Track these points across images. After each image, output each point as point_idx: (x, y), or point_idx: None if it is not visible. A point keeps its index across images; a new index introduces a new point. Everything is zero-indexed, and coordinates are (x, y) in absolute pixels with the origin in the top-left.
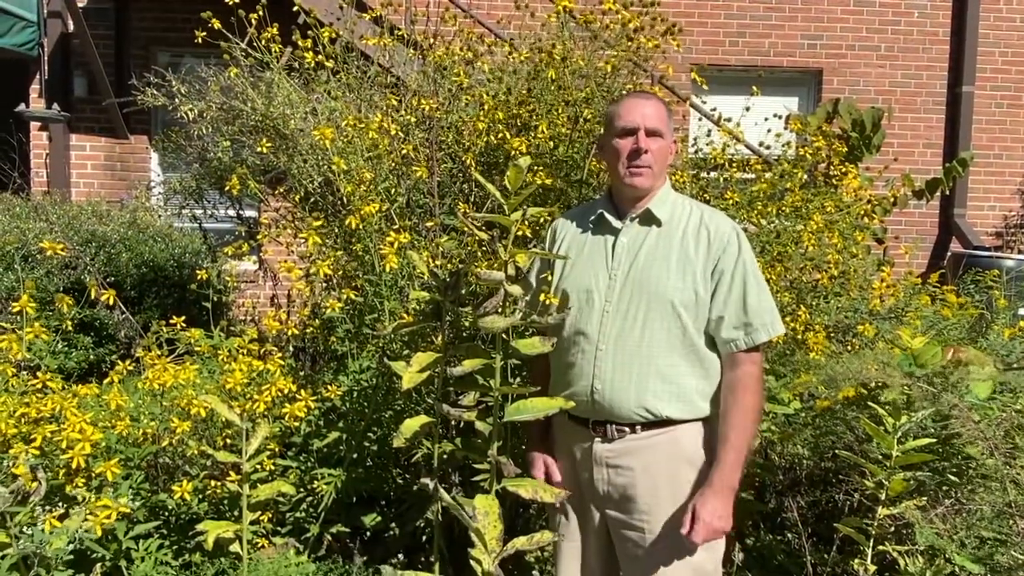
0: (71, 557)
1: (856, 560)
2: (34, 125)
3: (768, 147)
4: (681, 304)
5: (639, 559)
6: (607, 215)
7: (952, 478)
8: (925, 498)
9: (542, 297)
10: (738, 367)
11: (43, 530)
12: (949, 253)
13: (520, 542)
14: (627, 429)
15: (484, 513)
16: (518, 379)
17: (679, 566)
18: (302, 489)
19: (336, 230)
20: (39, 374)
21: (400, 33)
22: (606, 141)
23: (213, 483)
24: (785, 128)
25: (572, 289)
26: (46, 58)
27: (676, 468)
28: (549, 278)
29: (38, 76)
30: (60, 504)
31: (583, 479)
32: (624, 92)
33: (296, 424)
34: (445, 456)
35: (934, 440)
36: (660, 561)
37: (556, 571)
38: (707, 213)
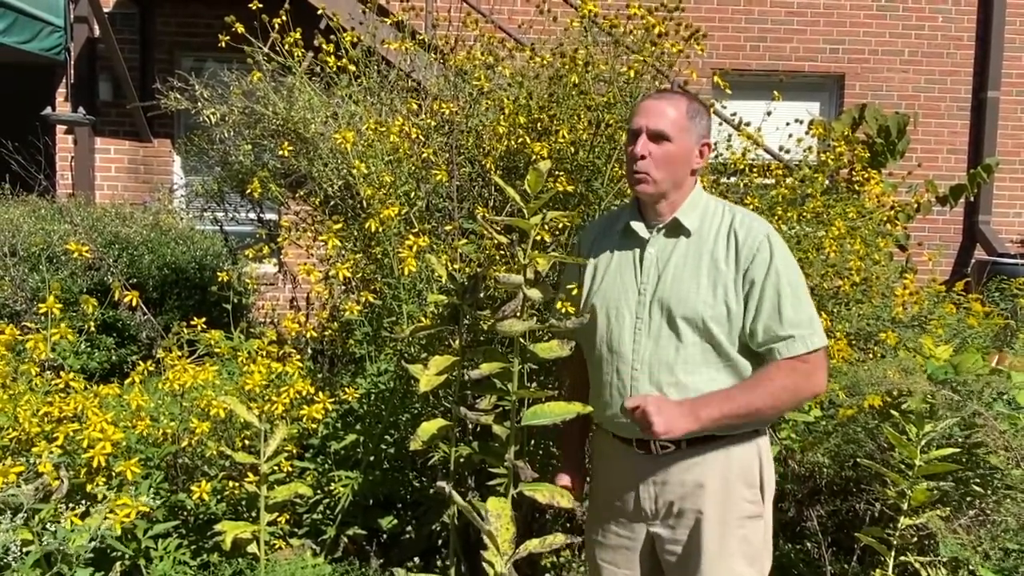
0: (91, 556)
1: (877, 571)
2: (60, 128)
3: (788, 151)
4: (713, 320)
5: None
6: (633, 225)
7: (976, 488)
8: (948, 508)
9: (558, 305)
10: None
11: (65, 527)
12: (973, 260)
13: (532, 544)
14: (671, 445)
15: (496, 516)
16: (535, 383)
17: None
18: (319, 491)
19: (355, 233)
20: (62, 374)
21: (421, 38)
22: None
23: (231, 484)
24: (807, 133)
25: (601, 305)
26: (72, 62)
27: (729, 486)
28: (575, 292)
29: (64, 80)
30: (81, 502)
31: (628, 498)
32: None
33: (314, 426)
34: (462, 460)
35: (958, 450)
36: None
37: None
38: (739, 216)
